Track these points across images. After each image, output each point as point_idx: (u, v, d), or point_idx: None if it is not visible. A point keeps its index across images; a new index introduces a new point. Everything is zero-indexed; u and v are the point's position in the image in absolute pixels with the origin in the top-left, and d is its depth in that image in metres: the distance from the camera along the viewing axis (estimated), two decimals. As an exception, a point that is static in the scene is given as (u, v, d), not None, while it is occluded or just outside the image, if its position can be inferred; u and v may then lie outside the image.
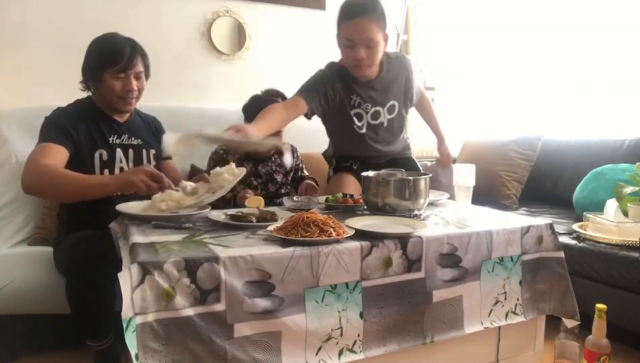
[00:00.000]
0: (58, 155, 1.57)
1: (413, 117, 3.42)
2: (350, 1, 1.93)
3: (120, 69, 1.67)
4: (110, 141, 1.74)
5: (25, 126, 2.14)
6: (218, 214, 1.51)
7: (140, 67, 1.73)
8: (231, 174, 1.62)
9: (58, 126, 1.63)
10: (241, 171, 1.66)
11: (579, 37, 3.14)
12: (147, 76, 1.79)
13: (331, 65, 2.07)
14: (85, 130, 1.68)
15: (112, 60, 1.66)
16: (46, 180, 1.49)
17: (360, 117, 2.06)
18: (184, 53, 2.72)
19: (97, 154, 1.70)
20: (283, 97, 2.13)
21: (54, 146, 1.57)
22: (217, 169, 1.66)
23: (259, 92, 2.18)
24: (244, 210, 1.60)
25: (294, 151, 2.29)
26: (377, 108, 2.08)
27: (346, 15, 1.89)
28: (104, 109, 1.76)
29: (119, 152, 1.75)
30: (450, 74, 3.51)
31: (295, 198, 1.82)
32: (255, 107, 2.10)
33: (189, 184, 1.55)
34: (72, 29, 2.41)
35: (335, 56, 3.25)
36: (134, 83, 1.71)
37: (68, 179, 1.49)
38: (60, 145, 1.59)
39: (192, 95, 2.75)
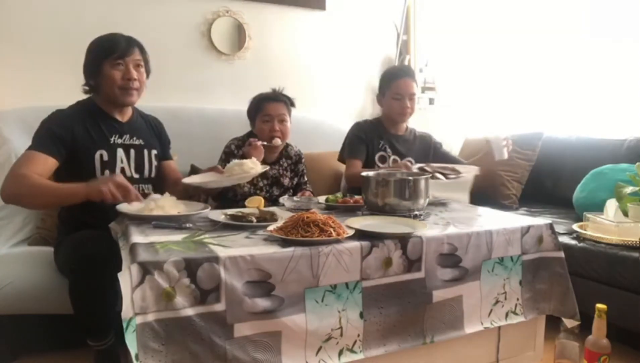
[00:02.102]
0: (41, 165, 1.56)
1: (433, 115, 3.45)
2: (397, 65, 2.68)
3: (118, 56, 1.68)
4: (112, 141, 1.74)
5: (25, 126, 2.13)
6: (218, 214, 1.52)
7: (138, 56, 1.74)
8: (255, 164, 1.73)
9: (51, 132, 1.62)
10: (263, 168, 1.76)
11: (579, 36, 3.14)
12: (147, 71, 1.80)
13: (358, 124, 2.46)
14: (83, 131, 1.68)
15: (108, 50, 1.68)
16: (23, 191, 1.51)
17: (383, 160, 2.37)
18: (184, 53, 2.71)
19: (97, 155, 1.69)
20: (288, 97, 2.21)
21: (39, 155, 1.57)
22: (237, 161, 1.76)
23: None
24: (244, 210, 1.60)
25: (299, 156, 2.29)
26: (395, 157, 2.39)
27: (396, 76, 2.38)
28: (105, 109, 1.76)
29: (120, 152, 1.75)
30: (450, 73, 3.51)
31: (295, 198, 1.82)
32: (255, 105, 2.17)
33: (155, 198, 1.57)
34: (72, 29, 2.41)
35: (334, 56, 3.25)
36: (134, 72, 1.71)
37: (42, 189, 1.51)
38: (48, 154, 1.58)
39: (192, 95, 2.74)
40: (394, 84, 2.34)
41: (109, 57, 1.68)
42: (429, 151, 2.50)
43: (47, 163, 1.58)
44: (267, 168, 1.75)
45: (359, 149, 2.34)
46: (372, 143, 2.37)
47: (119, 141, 1.76)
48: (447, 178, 1.85)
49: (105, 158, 1.71)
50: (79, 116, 1.70)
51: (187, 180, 1.75)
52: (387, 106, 2.39)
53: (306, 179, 2.32)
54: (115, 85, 1.70)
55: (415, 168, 1.99)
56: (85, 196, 1.47)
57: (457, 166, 2.02)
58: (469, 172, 1.94)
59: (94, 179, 1.52)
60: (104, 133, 1.73)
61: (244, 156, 2.07)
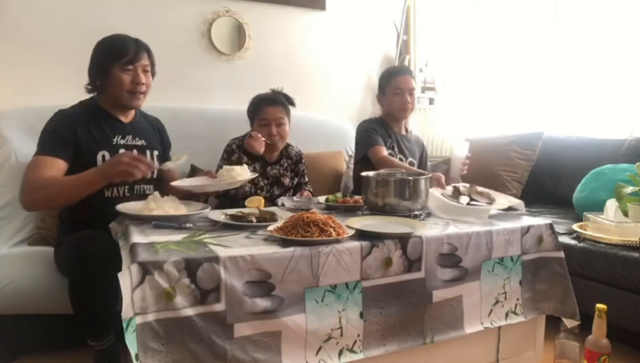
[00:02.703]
0: (51, 168, 1.57)
1: (433, 115, 3.46)
2: (396, 65, 2.85)
3: (128, 60, 1.68)
4: (114, 142, 1.74)
5: (25, 126, 2.14)
6: (218, 214, 1.52)
7: (146, 61, 1.75)
8: (244, 171, 1.72)
9: (56, 134, 1.63)
10: (251, 175, 1.75)
11: (580, 36, 3.14)
12: (153, 74, 1.80)
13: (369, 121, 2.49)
14: (86, 132, 1.68)
15: (119, 54, 1.68)
16: (39, 195, 1.53)
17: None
18: (184, 53, 2.71)
19: (99, 156, 1.69)
20: (287, 98, 2.20)
21: (47, 159, 1.58)
22: (227, 166, 1.75)
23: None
24: (244, 210, 1.60)
25: (300, 156, 2.29)
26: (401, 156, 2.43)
27: (396, 73, 2.44)
28: (109, 110, 1.76)
29: (122, 153, 1.75)
30: (450, 73, 3.51)
31: (295, 198, 1.82)
32: (253, 107, 2.16)
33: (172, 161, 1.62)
34: (72, 29, 2.41)
35: (334, 56, 3.24)
36: (142, 77, 1.72)
37: (59, 187, 1.53)
38: (56, 157, 1.60)
39: (192, 95, 2.74)
40: (394, 81, 2.37)
41: (119, 61, 1.68)
42: (423, 155, 2.58)
43: (57, 166, 1.59)
44: (256, 175, 1.74)
45: (377, 138, 2.33)
46: (383, 139, 2.37)
47: (122, 141, 1.76)
48: (469, 203, 1.71)
49: (107, 158, 1.70)
50: (81, 116, 1.70)
51: (177, 183, 1.71)
52: (388, 102, 2.40)
53: (307, 179, 2.32)
54: (123, 89, 1.70)
55: (450, 187, 1.87)
56: (105, 183, 1.52)
57: (497, 195, 1.85)
58: (504, 205, 1.79)
59: (101, 165, 1.55)
60: (107, 134, 1.73)
61: (245, 150, 2.09)
